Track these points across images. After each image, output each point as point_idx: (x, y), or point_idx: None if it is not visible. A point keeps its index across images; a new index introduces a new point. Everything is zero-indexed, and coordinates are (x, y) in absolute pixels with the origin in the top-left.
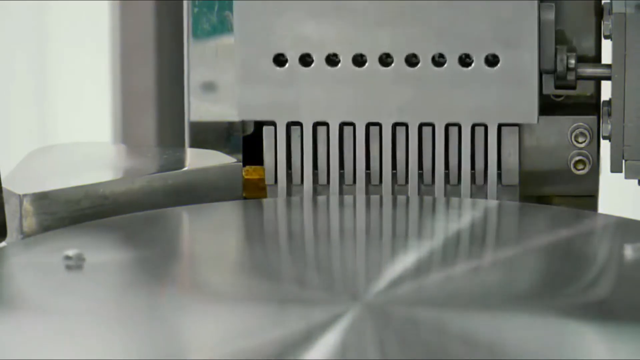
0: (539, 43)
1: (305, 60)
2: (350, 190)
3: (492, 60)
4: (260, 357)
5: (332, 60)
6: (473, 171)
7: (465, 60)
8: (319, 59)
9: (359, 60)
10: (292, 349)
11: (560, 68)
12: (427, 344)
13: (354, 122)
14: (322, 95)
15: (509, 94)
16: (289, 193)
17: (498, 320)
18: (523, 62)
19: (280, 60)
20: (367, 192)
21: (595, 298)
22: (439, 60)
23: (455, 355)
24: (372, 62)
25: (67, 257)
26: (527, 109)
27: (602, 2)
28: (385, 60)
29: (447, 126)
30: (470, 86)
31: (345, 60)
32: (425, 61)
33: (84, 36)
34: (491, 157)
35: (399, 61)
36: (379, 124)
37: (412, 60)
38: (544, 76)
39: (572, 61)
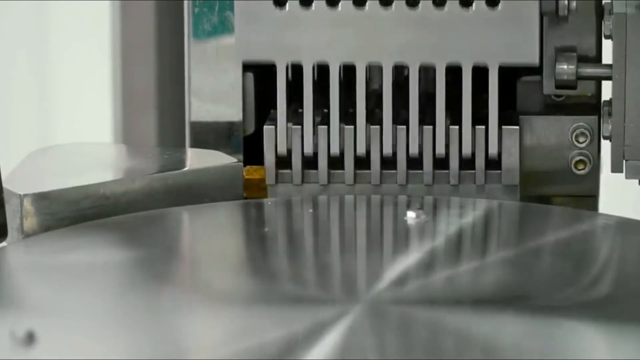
0: None
1: (306, 1)
2: (350, 190)
3: (492, 1)
4: (261, 357)
5: (332, 0)
6: (473, 171)
7: (465, 1)
8: (319, 0)
9: (359, 1)
10: (293, 349)
11: (561, 11)
12: (428, 344)
13: (354, 63)
14: (322, 36)
15: (509, 35)
16: (289, 193)
17: (498, 320)
18: (524, 3)
19: (280, 1)
20: (368, 192)
21: (595, 298)
22: (439, 1)
23: (456, 356)
24: (372, 3)
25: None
26: (527, 49)
27: (603, 2)
28: (386, 0)
29: (447, 127)
30: (470, 27)
31: (346, 0)
32: (425, 2)
33: (85, 36)
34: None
35: (399, 2)
36: (378, 122)
37: (412, 1)
38: (544, 76)
39: (574, 4)
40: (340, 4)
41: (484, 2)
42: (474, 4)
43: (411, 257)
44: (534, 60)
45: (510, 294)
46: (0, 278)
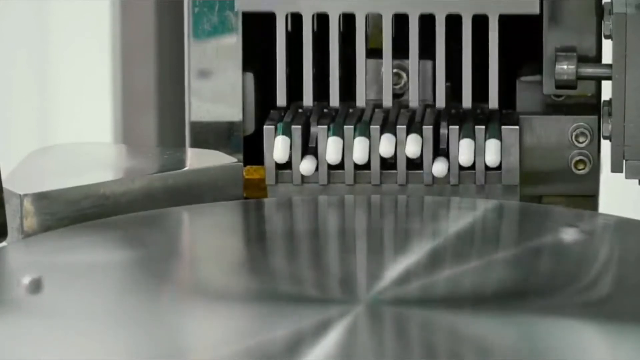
0: None
1: None
2: (350, 190)
3: None
4: (261, 357)
5: None
6: (474, 171)
7: None
8: None
9: None
10: (293, 349)
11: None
12: (428, 344)
13: (354, 12)
14: None
15: None
16: (289, 193)
17: (498, 320)
18: None
19: None
20: (368, 192)
21: (595, 298)
22: None
23: (456, 356)
24: None
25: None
26: None
27: (603, 2)
28: None
29: (447, 127)
30: None
31: None
32: None
33: (85, 36)
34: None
35: None
36: (378, 124)
37: None
38: (544, 76)
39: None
40: None
41: None
42: None
43: (412, 257)
44: (534, 9)
45: (510, 294)
46: (0, 278)
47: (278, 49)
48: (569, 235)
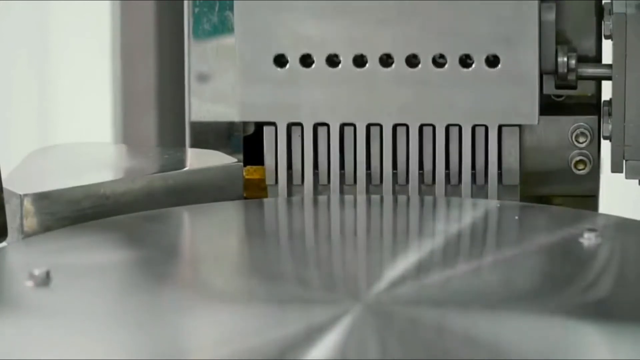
0: (540, 43)
1: (306, 60)
2: (350, 191)
3: (492, 61)
4: (261, 357)
5: (332, 60)
6: (474, 171)
7: (465, 61)
8: (319, 60)
9: (359, 61)
10: (293, 349)
11: (561, 69)
12: (428, 344)
13: (355, 123)
14: (322, 96)
15: (509, 95)
16: (289, 193)
17: (498, 320)
18: (523, 63)
19: (281, 60)
20: (368, 192)
21: (595, 298)
22: (439, 61)
23: (456, 355)
24: (372, 63)
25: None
26: (527, 109)
27: (603, 2)
28: (386, 60)
29: (447, 127)
30: (470, 87)
31: (346, 60)
32: (425, 62)
33: (85, 36)
34: (492, 158)
35: (399, 62)
36: (379, 125)
37: (412, 61)
38: (544, 76)
39: (573, 61)
40: (340, 64)
41: (483, 62)
42: (473, 64)
43: (411, 257)
44: (534, 120)
45: (509, 294)
46: (0, 278)
47: (279, 157)
48: (569, 236)
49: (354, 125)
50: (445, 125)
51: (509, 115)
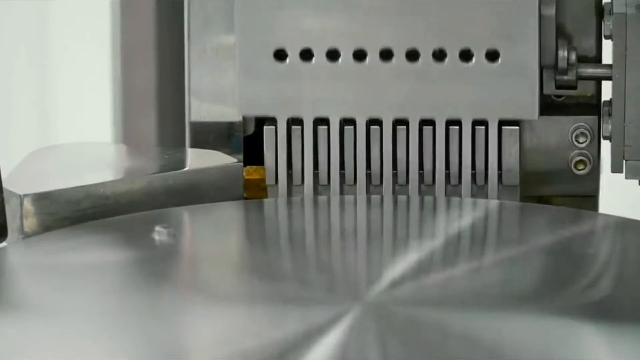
0: (540, 38)
1: (306, 55)
2: (350, 191)
3: (492, 55)
4: (261, 357)
5: (332, 55)
6: (474, 171)
7: (466, 56)
8: (319, 54)
9: (359, 55)
10: (293, 349)
11: (561, 64)
12: (428, 344)
13: (355, 117)
14: (322, 91)
15: (509, 90)
16: (289, 193)
17: (499, 320)
18: (524, 57)
19: (281, 55)
20: (368, 193)
21: (595, 298)
22: (439, 55)
23: (456, 355)
24: (372, 57)
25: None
26: (527, 104)
27: (603, 2)
28: (386, 55)
29: (447, 125)
30: (470, 81)
31: (346, 55)
32: (426, 56)
33: (85, 36)
34: (492, 156)
35: (399, 56)
36: (379, 122)
37: (412, 55)
38: (544, 76)
39: (573, 57)
40: (340, 58)
41: (483, 56)
42: (474, 58)
43: (411, 257)
44: (534, 115)
45: (510, 294)
46: (0, 278)
47: (279, 155)
48: (566, 235)
49: (354, 125)
50: (445, 119)
51: (509, 110)
